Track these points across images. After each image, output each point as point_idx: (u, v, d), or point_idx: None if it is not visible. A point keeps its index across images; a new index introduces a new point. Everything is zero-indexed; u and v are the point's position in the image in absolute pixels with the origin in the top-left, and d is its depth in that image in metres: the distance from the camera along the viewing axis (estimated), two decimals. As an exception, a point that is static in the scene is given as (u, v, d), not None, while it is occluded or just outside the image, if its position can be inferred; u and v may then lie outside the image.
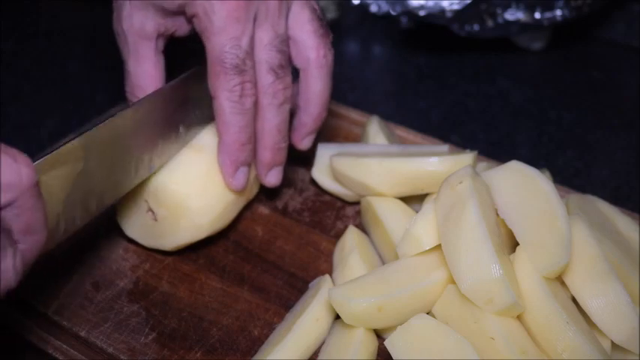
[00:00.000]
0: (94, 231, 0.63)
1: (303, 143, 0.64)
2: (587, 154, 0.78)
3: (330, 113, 0.76)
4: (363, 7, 0.89)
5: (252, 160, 0.60)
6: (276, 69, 0.57)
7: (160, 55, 0.59)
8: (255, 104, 0.57)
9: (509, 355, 0.47)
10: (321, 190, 0.67)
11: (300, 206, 0.67)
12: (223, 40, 0.54)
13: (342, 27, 0.97)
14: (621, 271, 0.52)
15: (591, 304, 0.50)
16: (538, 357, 0.48)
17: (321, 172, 0.66)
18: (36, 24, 0.97)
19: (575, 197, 0.61)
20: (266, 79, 0.57)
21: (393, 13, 0.86)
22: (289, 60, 0.59)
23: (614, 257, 0.52)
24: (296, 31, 0.59)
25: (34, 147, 0.74)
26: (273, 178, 0.62)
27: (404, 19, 0.91)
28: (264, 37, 0.56)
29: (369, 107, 0.77)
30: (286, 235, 0.64)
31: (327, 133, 0.74)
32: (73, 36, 0.95)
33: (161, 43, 0.59)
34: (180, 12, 0.56)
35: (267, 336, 0.55)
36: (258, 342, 0.55)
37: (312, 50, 0.59)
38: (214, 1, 0.54)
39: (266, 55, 0.57)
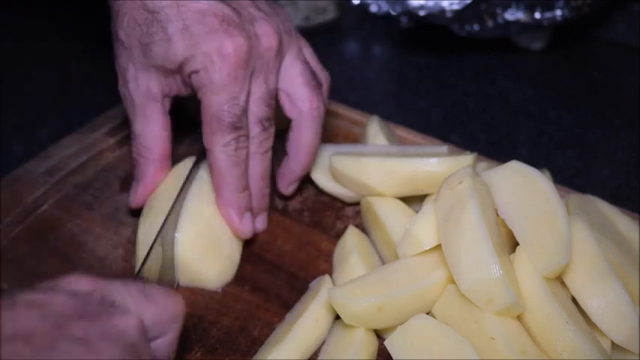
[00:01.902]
0: (94, 231, 0.63)
1: (289, 189, 0.65)
2: (587, 154, 0.79)
3: (330, 113, 0.76)
4: (363, 7, 0.90)
5: (250, 206, 0.61)
6: (264, 121, 0.58)
7: (166, 116, 0.60)
8: (248, 155, 0.59)
9: (509, 355, 0.47)
10: (320, 190, 0.67)
11: (300, 206, 0.67)
12: (222, 98, 0.55)
13: (342, 27, 0.97)
14: (621, 271, 0.52)
15: (591, 304, 0.50)
16: (538, 357, 0.48)
17: (320, 173, 0.66)
18: (36, 24, 0.97)
19: (575, 197, 0.61)
20: (253, 130, 0.58)
21: (393, 13, 0.86)
22: (275, 111, 0.60)
23: (614, 257, 0.52)
24: (288, 84, 0.60)
25: (34, 147, 0.74)
26: (259, 224, 0.63)
27: (404, 19, 0.91)
28: (257, 91, 0.57)
29: (369, 107, 0.77)
30: (286, 235, 0.64)
31: (327, 133, 0.74)
32: (73, 36, 0.95)
33: (167, 104, 0.60)
34: (179, 70, 0.56)
35: (267, 336, 0.55)
36: (258, 342, 0.55)
37: (305, 102, 0.60)
38: (215, 58, 0.54)
39: (256, 109, 0.58)
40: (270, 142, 0.60)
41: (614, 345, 0.50)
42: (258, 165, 0.60)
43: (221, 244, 0.59)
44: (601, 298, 0.50)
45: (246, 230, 0.60)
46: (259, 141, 0.59)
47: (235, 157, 0.57)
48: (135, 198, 0.61)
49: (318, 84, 0.61)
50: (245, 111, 0.57)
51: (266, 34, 0.57)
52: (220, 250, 0.59)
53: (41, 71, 0.89)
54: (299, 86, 0.60)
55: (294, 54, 0.60)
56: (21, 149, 0.76)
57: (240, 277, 0.60)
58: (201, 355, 0.54)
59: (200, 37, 0.54)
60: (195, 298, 0.58)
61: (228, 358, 0.54)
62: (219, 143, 0.56)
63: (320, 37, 0.95)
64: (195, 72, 0.55)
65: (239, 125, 0.56)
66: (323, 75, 0.63)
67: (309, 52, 0.62)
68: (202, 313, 0.57)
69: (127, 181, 0.59)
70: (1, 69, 0.88)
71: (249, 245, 0.63)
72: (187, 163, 0.63)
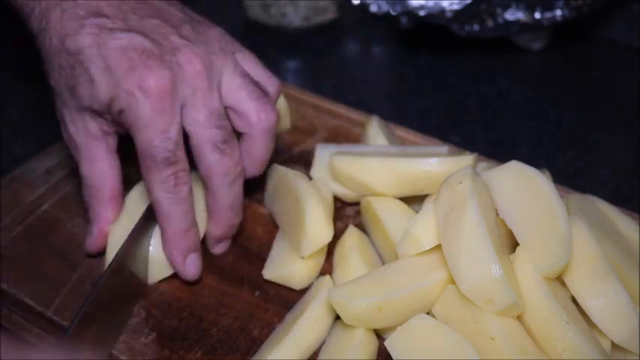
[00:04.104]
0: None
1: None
2: (587, 154, 0.79)
3: (330, 113, 0.76)
4: (363, 7, 0.89)
5: (199, 244, 0.59)
6: (220, 145, 0.55)
7: (112, 154, 0.58)
8: (191, 191, 0.56)
9: (509, 355, 0.47)
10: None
11: (300, 206, 0.66)
12: (151, 134, 0.53)
13: (342, 27, 0.97)
14: (621, 271, 0.52)
15: (591, 304, 0.50)
16: (538, 357, 0.48)
17: (320, 173, 0.66)
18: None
19: (575, 197, 0.61)
20: (213, 157, 0.55)
21: (393, 13, 0.86)
22: (232, 133, 0.57)
23: (614, 257, 0.52)
24: (232, 100, 0.57)
25: (34, 147, 0.74)
26: (220, 249, 0.62)
27: (404, 19, 0.91)
28: (199, 116, 0.55)
29: (369, 107, 0.77)
30: (286, 235, 0.64)
31: (327, 133, 0.74)
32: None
33: (111, 142, 0.58)
34: (108, 111, 0.54)
35: (267, 336, 0.55)
36: (258, 342, 0.55)
37: (252, 114, 0.57)
38: (138, 95, 0.52)
39: (206, 134, 0.55)
40: (237, 169, 0.57)
41: (614, 345, 0.50)
42: (227, 196, 0.57)
43: None
44: (601, 298, 0.50)
45: (190, 273, 0.58)
46: (223, 170, 0.56)
47: (176, 195, 0.55)
48: (92, 242, 0.59)
49: (261, 93, 0.58)
50: (179, 145, 0.54)
51: (189, 60, 0.54)
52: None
53: (41, 71, 0.89)
54: (242, 100, 0.57)
55: (231, 70, 0.57)
56: (21, 149, 0.76)
57: (239, 277, 0.60)
58: (201, 355, 0.54)
59: (121, 74, 0.53)
60: (195, 298, 0.58)
61: (228, 358, 0.54)
62: (157, 181, 0.54)
63: (320, 37, 0.95)
64: (122, 111, 0.53)
65: (174, 160, 0.54)
66: (270, 82, 0.60)
67: (251, 62, 0.59)
68: (202, 313, 0.57)
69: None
70: (1, 69, 0.88)
71: (249, 244, 0.63)
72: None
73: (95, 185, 0.58)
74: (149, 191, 0.55)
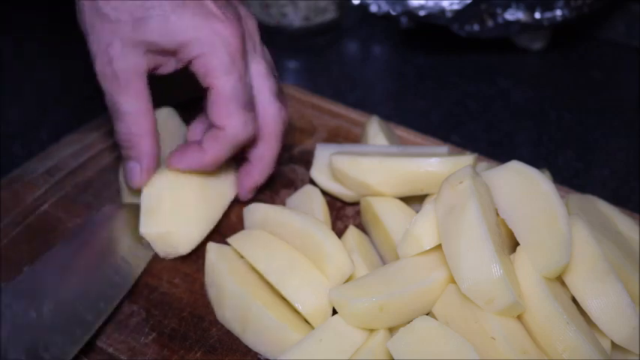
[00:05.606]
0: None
1: (249, 196, 0.65)
2: (587, 154, 0.79)
3: (330, 113, 0.76)
4: (363, 7, 0.89)
5: None
6: (278, 94, 0.60)
7: (149, 91, 0.58)
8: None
9: (509, 355, 0.47)
10: (320, 190, 0.67)
11: (300, 206, 0.66)
12: (234, 80, 0.56)
13: (342, 27, 0.97)
14: (621, 271, 0.52)
15: (591, 304, 0.50)
16: (538, 357, 0.48)
17: (320, 172, 0.66)
18: (36, 24, 0.97)
19: (575, 197, 0.61)
20: (274, 106, 0.60)
21: (393, 13, 0.86)
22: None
23: (614, 257, 0.52)
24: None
25: (34, 147, 0.74)
26: (251, 195, 0.65)
27: (404, 19, 0.91)
28: (261, 68, 0.59)
29: (369, 107, 0.77)
30: (286, 235, 0.64)
31: (327, 133, 0.74)
32: (72, 36, 0.95)
33: (146, 79, 0.58)
34: (176, 51, 0.56)
35: (267, 336, 0.55)
36: (258, 342, 0.55)
37: (276, 117, 0.61)
38: (218, 43, 0.55)
39: (268, 83, 0.59)
40: (287, 122, 0.62)
41: (614, 345, 0.50)
42: (276, 146, 0.62)
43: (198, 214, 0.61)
44: (601, 298, 0.50)
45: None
46: (282, 119, 0.61)
47: (247, 135, 0.58)
48: (139, 179, 0.59)
49: (283, 97, 0.62)
50: (252, 89, 0.58)
51: (247, 15, 0.60)
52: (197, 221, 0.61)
53: (41, 71, 0.89)
54: (267, 99, 0.60)
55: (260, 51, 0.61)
56: (21, 149, 0.76)
57: (240, 277, 0.60)
58: (201, 355, 0.54)
59: (199, 19, 0.54)
60: (195, 298, 0.58)
61: (228, 358, 0.54)
62: (236, 123, 0.57)
63: (320, 37, 0.95)
64: (198, 57, 0.55)
65: (253, 103, 0.58)
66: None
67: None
68: (202, 313, 0.57)
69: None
70: (1, 69, 0.88)
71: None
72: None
73: (139, 122, 0.58)
74: (221, 129, 0.57)
